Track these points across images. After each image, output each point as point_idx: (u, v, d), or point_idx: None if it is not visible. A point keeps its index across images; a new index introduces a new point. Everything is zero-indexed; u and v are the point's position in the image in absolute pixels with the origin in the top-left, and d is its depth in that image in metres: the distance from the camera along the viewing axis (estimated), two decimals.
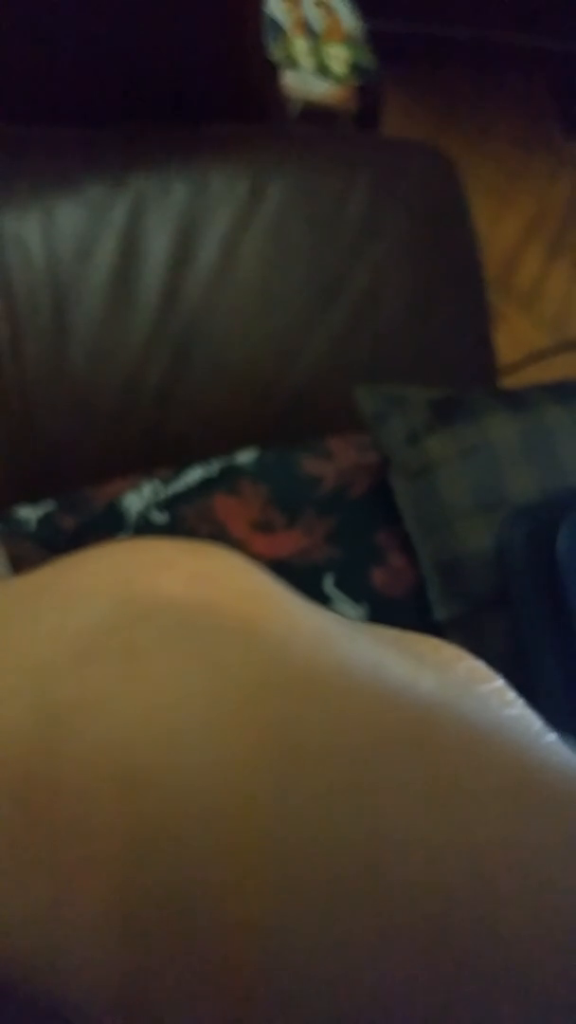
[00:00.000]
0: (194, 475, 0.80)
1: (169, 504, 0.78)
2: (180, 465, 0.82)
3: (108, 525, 0.77)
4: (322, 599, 0.70)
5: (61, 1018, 0.10)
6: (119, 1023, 0.10)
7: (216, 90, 0.99)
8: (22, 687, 0.11)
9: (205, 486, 0.79)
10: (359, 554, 0.73)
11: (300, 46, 1.43)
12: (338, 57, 1.45)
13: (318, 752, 0.10)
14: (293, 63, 1.40)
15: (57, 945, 0.10)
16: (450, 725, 0.11)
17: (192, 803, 0.10)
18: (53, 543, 0.78)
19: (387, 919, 0.10)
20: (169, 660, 0.11)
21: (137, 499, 0.79)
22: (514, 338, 1.31)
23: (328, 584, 0.71)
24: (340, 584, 0.71)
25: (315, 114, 1.37)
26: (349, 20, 1.45)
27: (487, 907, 0.10)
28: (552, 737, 0.13)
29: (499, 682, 0.14)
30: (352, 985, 0.09)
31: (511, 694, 0.14)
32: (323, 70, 1.43)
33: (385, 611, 0.70)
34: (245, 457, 0.81)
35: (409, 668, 0.12)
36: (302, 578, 0.71)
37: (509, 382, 1.17)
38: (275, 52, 1.37)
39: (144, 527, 0.77)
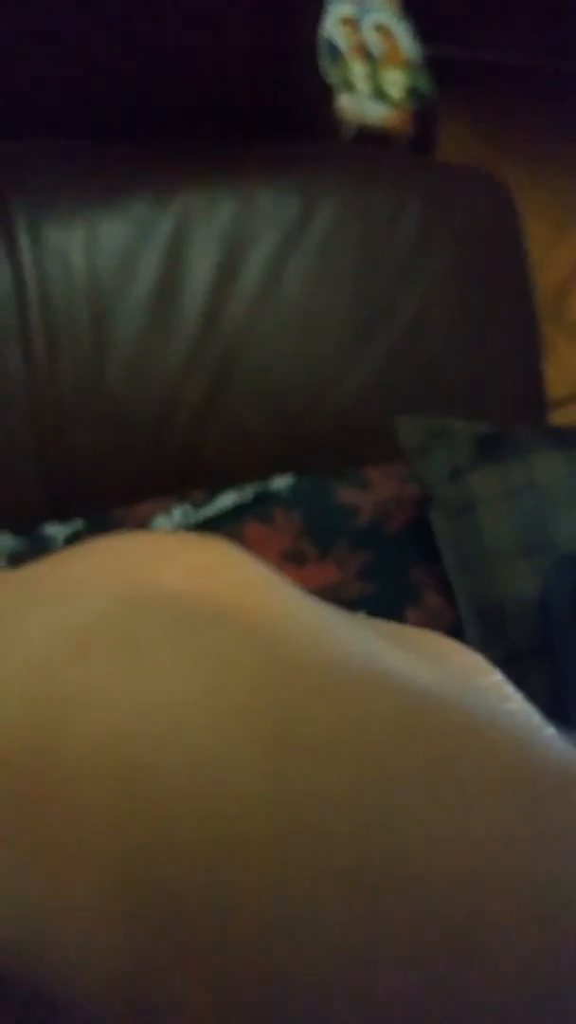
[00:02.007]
0: (227, 500, 0.78)
1: (199, 529, 0.76)
2: (214, 487, 0.80)
3: None
4: None
5: (63, 1016, 0.10)
6: (121, 1021, 0.10)
7: (267, 108, 0.98)
8: (20, 679, 0.11)
9: (237, 512, 0.77)
10: (393, 592, 0.70)
11: (358, 70, 1.43)
12: (395, 81, 1.44)
13: (317, 745, 0.10)
14: (350, 86, 1.40)
15: (56, 941, 0.10)
16: (450, 718, 0.11)
17: (191, 797, 0.10)
18: None
19: (388, 915, 0.09)
20: (168, 652, 0.11)
21: (167, 523, 0.77)
22: (565, 371, 1.27)
23: None
24: None
25: (370, 138, 1.36)
26: (408, 45, 1.44)
27: (488, 901, 0.09)
28: (551, 730, 0.13)
29: (497, 676, 0.14)
30: (353, 983, 0.09)
31: (509, 688, 0.14)
32: (380, 94, 1.42)
33: None
34: (280, 483, 0.79)
35: (408, 661, 0.12)
36: None
37: (558, 417, 1.14)
38: (332, 75, 1.36)
39: None
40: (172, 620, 0.11)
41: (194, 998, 0.10)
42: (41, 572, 0.13)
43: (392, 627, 0.14)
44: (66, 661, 0.11)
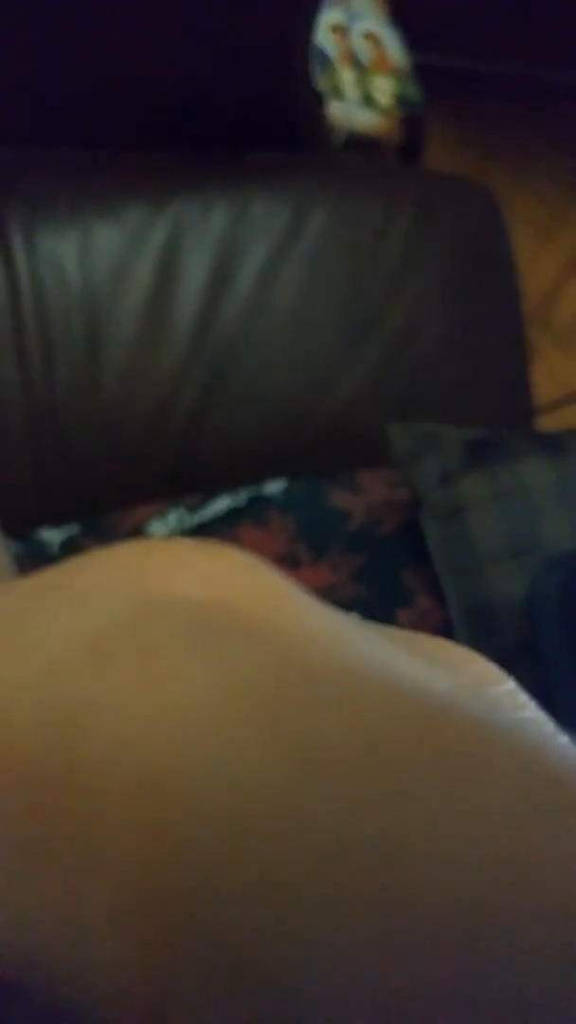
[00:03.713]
0: (221, 504, 0.79)
1: (194, 533, 0.77)
2: (208, 492, 0.81)
3: None
4: None
5: (78, 1022, 0.10)
6: None
7: (260, 117, 0.99)
8: (36, 686, 0.11)
9: (232, 516, 0.78)
10: (386, 594, 0.71)
11: (347, 77, 1.44)
12: (384, 89, 1.45)
13: (332, 752, 0.10)
14: (339, 93, 1.40)
15: (72, 948, 0.10)
16: (464, 726, 0.11)
17: (206, 803, 0.10)
18: None
19: (402, 923, 0.09)
20: (183, 660, 0.11)
21: (162, 526, 0.78)
22: (552, 376, 1.29)
23: None
24: None
25: (359, 144, 1.37)
26: (396, 53, 1.46)
27: (504, 912, 0.09)
28: (564, 739, 0.13)
29: (511, 684, 0.14)
30: (361, 993, 0.09)
31: (523, 696, 0.14)
32: (368, 101, 1.43)
33: None
34: (273, 487, 0.80)
35: (422, 669, 0.12)
36: None
37: (546, 421, 1.15)
38: (321, 82, 1.37)
39: None
40: (187, 627, 0.11)
41: (211, 1003, 0.10)
42: (55, 579, 0.13)
43: (406, 635, 0.14)
44: (81, 668, 0.11)
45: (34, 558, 0.78)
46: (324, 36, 1.42)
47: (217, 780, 0.10)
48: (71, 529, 0.80)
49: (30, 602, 0.12)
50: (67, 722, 0.10)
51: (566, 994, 0.09)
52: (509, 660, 0.67)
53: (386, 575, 0.73)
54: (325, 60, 1.41)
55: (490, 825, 0.10)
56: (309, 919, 0.09)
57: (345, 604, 0.71)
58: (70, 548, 0.79)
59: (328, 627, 0.12)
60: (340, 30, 1.45)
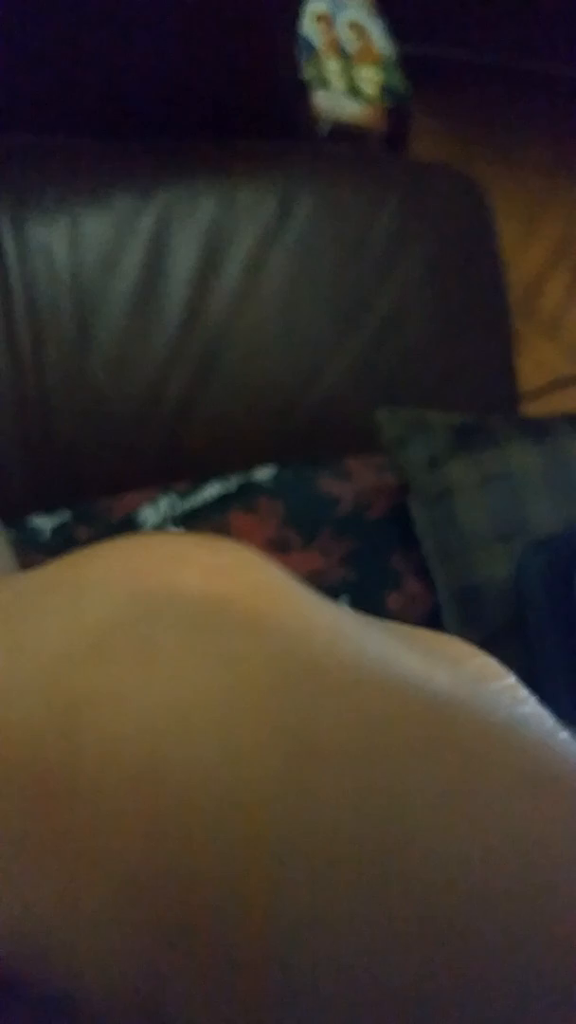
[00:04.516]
0: (212, 490, 0.80)
1: (185, 519, 0.78)
2: (197, 478, 0.82)
3: None
4: None
5: (72, 1017, 0.10)
6: (130, 1023, 0.10)
7: (246, 106, 0.99)
8: (37, 680, 0.11)
9: (222, 502, 0.78)
10: (375, 578, 0.72)
11: (332, 67, 1.44)
12: (369, 79, 1.45)
13: (332, 746, 0.10)
14: (324, 83, 1.41)
15: (72, 940, 0.10)
16: (465, 721, 0.11)
17: (206, 797, 0.10)
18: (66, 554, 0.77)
19: (403, 917, 0.09)
20: (184, 654, 0.11)
21: (153, 513, 0.79)
22: (536, 363, 1.30)
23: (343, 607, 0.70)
24: (354, 607, 0.70)
25: (344, 134, 1.37)
26: (382, 43, 1.46)
27: (506, 906, 0.09)
28: (565, 734, 0.13)
29: (511, 679, 0.14)
30: (359, 987, 0.09)
31: (523, 691, 0.14)
32: (354, 91, 1.43)
33: None
34: (263, 474, 0.80)
35: (422, 663, 0.12)
36: None
37: (531, 408, 1.16)
38: (307, 72, 1.37)
39: None
40: (188, 621, 0.11)
41: (208, 999, 0.10)
42: (57, 573, 0.13)
43: (406, 629, 0.14)
44: (83, 662, 0.11)
45: (26, 545, 0.78)
46: (309, 25, 1.42)
47: (216, 773, 0.10)
48: (62, 516, 0.81)
49: (31, 596, 0.12)
50: (67, 715, 0.10)
51: (566, 986, 0.09)
52: (496, 641, 0.68)
53: (375, 559, 0.74)
54: (310, 50, 1.41)
55: (492, 820, 0.10)
56: (307, 912, 0.09)
57: (335, 588, 0.72)
58: (62, 534, 0.79)
59: (328, 622, 0.12)
60: (325, 19, 1.45)
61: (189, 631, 0.11)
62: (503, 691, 0.14)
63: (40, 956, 0.10)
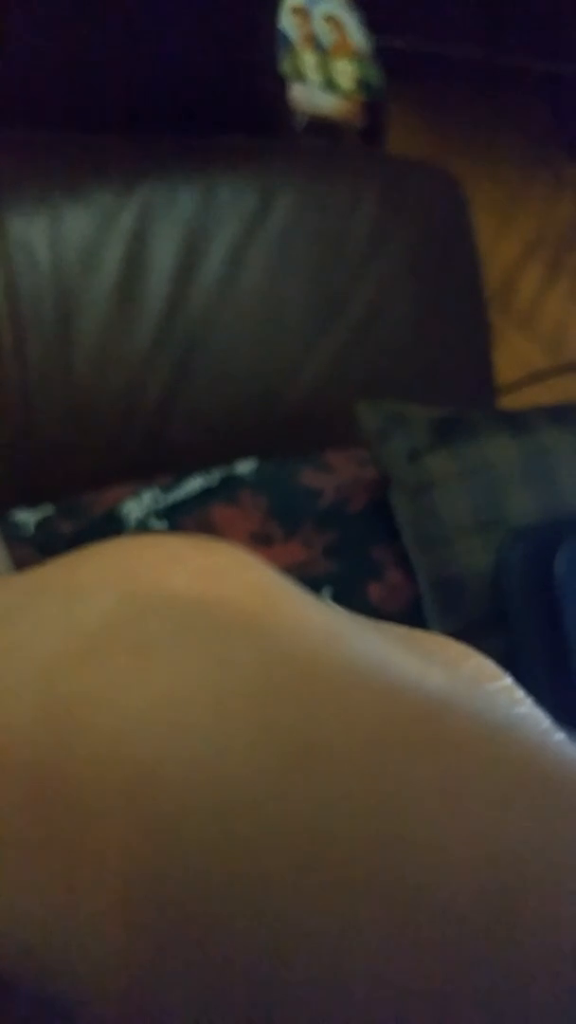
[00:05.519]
0: (194, 484, 0.80)
1: (168, 513, 0.78)
2: (178, 472, 0.82)
3: (106, 532, 0.77)
4: None
5: (68, 1019, 0.10)
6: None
7: (227, 101, 1.00)
8: (30, 681, 0.11)
9: (204, 495, 0.79)
10: (357, 569, 0.73)
11: (308, 60, 1.44)
12: (345, 72, 1.45)
13: (327, 747, 0.10)
14: (301, 77, 1.41)
15: (67, 942, 0.10)
16: (461, 722, 0.11)
17: (199, 798, 0.10)
18: (50, 547, 0.78)
19: (400, 920, 0.09)
20: (177, 655, 0.11)
21: (136, 506, 0.79)
22: (512, 357, 1.31)
23: (325, 598, 0.71)
24: (337, 598, 0.72)
25: (321, 127, 1.37)
26: (357, 36, 1.46)
27: (503, 909, 0.09)
28: (561, 735, 0.12)
29: (507, 680, 0.14)
30: (354, 991, 0.09)
31: (519, 692, 0.14)
32: (330, 84, 1.44)
33: None
34: (245, 467, 0.81)
35: (417, 665, 0.12)
36: None
37: (507, 401, 1.18)
38: (283, 65, 1.37)
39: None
40: (181, 622, 0.11)
41: (202, 1002, 0.10)
42: (49, 574, 0.13)
43: (402, 631, 0.14)
44: (76, 663, 0.11)
45: (9, 539, 0.78)
46: (285, 19, 1.42)
47: (210, 774, 0.10)
48: (46, 510, 0.81)
49: (26, 597, 0.12)
50: (62, 716, 0.11)
51: (570, 991, 0.09)
52: (476, 630, 0.70)
53: (357, 550, 0.75)
54: (286, 43, 1.41)
55: (487, 821, 0.10)
56: (303, 914, 0.09)
57: (318, 579, 0.73)
58: (46, 529, 0.80)
59: (323, 623, 0.12)
60: (301, 12, 1.45)
61: (183, 632, 0.11)
62: (499, 692, 0.14)
63: (36, 957, 0.10)
